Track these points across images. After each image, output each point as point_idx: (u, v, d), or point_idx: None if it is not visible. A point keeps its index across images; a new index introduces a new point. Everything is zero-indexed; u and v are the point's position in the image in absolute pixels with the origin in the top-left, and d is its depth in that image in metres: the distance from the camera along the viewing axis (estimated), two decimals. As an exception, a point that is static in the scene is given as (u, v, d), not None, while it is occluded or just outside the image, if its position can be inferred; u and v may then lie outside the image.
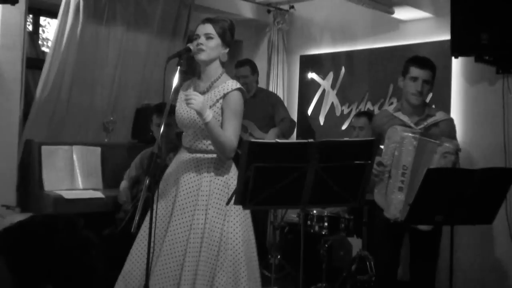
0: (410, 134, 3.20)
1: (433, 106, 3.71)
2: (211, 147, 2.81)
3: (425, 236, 3.23)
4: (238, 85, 2.83)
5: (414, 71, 3.32)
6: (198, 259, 2.71)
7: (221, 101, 2.79)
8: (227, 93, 2.79)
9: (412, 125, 3.30)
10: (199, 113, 2.68)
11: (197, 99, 2.66)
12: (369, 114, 4.52)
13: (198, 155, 2.83)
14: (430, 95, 4.62)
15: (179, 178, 2.84)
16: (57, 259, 1.34)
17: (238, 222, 2.81)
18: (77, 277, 1.35)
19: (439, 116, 3.40)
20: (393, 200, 3.20)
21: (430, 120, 3.35)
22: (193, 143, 2.85)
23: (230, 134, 2.76)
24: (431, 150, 3.15)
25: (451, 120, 3.48)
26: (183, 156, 2.89)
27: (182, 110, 2.87)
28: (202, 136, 2.82)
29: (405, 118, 3.34)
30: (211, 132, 2.73)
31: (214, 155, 2.82)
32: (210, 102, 2.80)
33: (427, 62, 3.37)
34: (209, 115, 2.69)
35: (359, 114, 4.69)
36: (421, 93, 3.31)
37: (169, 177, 2.91)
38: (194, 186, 2.79)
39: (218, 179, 2.80)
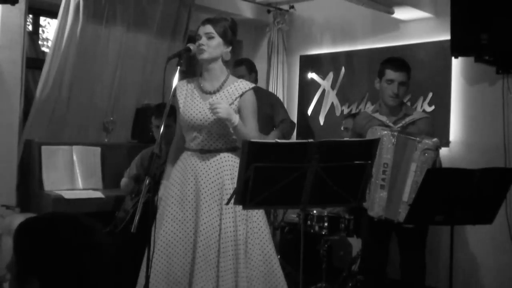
0: (388, 132, 3.25)
1: (410, 105, 3.73)
2: (226, 145, 2.85)
3: (412, 232, 3.27)
4: (252, 84, 2.92)
5: (390, 74, 3.39)
6: (233, 258, 2.75)
7: (238, 99, 2.85)
8: (244, 92, 2.86)
9: (390, 124, 3.37)
10: (227, 119, 2.73)
11: (222, 107, 2.72)
12: (355, 116, 4.56)
13: (214, 153, 2.86)
14: (430, 94, 4.64)
15: (198, 180, 2.84)
16: (48, 257, 1.35)
17: (262, 217, 2.90)
18: (66, 278, 1.36)
19: (417, 115, 3.49)
20: (376, 198, 3.23)
21: (408, 119, 3.41)
22: (207, 143, 2.87)
23: (253, 131, 2.83)
24: (411, 147, 3.19)
25: (429, 118, 3.56)
26: (195, 157, 2.89)
27: (192, 112, 2.88)
28: (217, 136, 2.85)
29: (383, 118, 3.42)
30: (239, 133, 2.79)
31: (230, 152, 2.87)
32: (229, 100, 2.85)
33: (402, 64, 3.44)
34: (236, 117, 2.76)
35: (347, 116, 4.85)
36: (397, 95, 3.39)
37: (183, 181, 2.89)
38: (216, 185, 2.82)
39: None
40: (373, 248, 3.45)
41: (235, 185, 2.78)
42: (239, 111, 2.85)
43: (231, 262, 2.74)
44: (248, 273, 2.77)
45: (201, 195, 2.82)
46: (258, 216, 2.89)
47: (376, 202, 3.23)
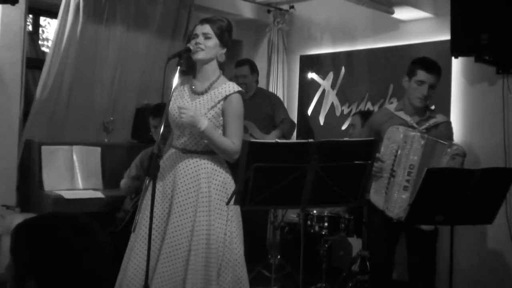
0: (417, 133, 3.20)
1: (432, 108, 3.70)
2: (208, 148, 2.82)
3: (422, 234, 3.23)
4: (238, 88, 2.85)
5: (422, 75, 3.29)
6: (203, 261, 2.70)
7: (222, 102, 2.81)
8: (229, 95, 2.80)
9: (414, 125, 3.30)
10: (191, 126, 2.70)
11: (187, 112, 2.68)
12: (363, 113, 4.55)
13: (195, 155, 2.83)
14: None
15: (176, 179, 2.82)
16: (46, 257, 1.35)
17: (237, 222, 2.84)
18: (64, 278, 1.36)
19: (439, 118, 3.41)
20: (398, 199, 3.18)
21: (432, 122, 3.35)
22: (189, 143, 2.84)
23: (232, 136, 2.78)
24: (441, 151, 3.15)
25: (450, 123, 3.50)
26: (176, 156, 2.87)
27: (178, 111, 2.85)
28: (199, 137, 2.81)
29: (407, 118, 3.33)
30: (209, 139, 2.75)
31: (211, 156, 2.83)
32: (211, 103, 2.81)
33: (435, 66, 3.34)
34: (203, 123, 2.71)
35: (355, 113, 4.83)
36: (426, 98, 3.31)
37: (164, 178, 2.86)
38: (192, 187, 2.78)
39: (217, 180, 2.80)
40: (383, 249, 3.39)
41: (210, 189, 2.77)
42: (223, 114, 2.82)
43: (202, 263, 2.70)
44: (220, 274, 2.73)
45: (176, 195, 2.79)
46: (234, 222, 2.82)
47: (398, 203, 3.17)
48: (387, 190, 3.22)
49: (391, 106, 3.53)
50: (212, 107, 2.80)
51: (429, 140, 3.18)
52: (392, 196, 3.20)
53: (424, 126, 3.31)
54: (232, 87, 2.83)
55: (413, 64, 3.37)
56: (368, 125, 3.61)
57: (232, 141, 2.76)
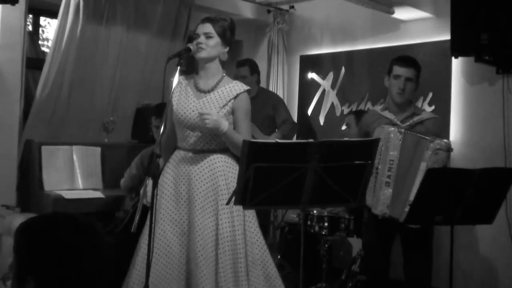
0: (395, 129, 3.24)
1: (420, 107, 3.73)
2: (220, 146, 2.84)
3: (417, 233, 3.24)
4: (247, 87, 2.92)
5: (397, 70, 3.39)
6: (231, 259, 2.74)
7: (232, 101, 2.84)
8: (239, 94, 2.85)
9: (398, 122, 3.35)
10: (215, 129, 2.73)
11: (211, 118, 2.71)
12: (357, 112, 4.57)
13: (207, 154, 2.84)
14: (430, 94, 4.65)
15: (191, 180, 2.82)
16: (46, 257, 1.36)
17: (254, 218, 2.88)
18: (64, 278, 1.36)
19: (425, 115, 3.46)
20: (381, 196, 3.20)
21: (416, 118, 3.39)
22: (199, 143, 2.85)
23: (244, 133, 2.83)
24: (423, 146, 3.16)
25: (437, 119, 3.52)
26: (187, 157, 2.87)
27: (186, 110, 2.86)
28: (210, 136, 2.84)
29: (391, 116, 3.39)
30: (229, 138, 2.79)
31: (223, 153, 2.86)
32: (222, 102, 2.83)
33: (410, 60, 3.44)
34: (225, 125, 2.74)
35: (348, 113, 4.90)
36: (403, 91, 3.37)
37: (176, 180, 2.87)
38: (210, 186, 2.80)
39: (233, 174, 2.82)
40: (376, 248, 3.41)
41: (229, 186, 2.79)
42: (233, 112, 2.85)
43: (230, 260, 2.73)
44: (249, 271, 2.77)
45: (194, 196, 2.80)
46: (252, 218, 2.88)
47: (381, 200, 3.20)
48: (374, 188, 3.24)
49: (378, 107, 3.62)
50: (224, 106, 2.83)
51: (409, 135, 3.21)
52: (377, 193, 3.23)
53: (408, 123, 3.35)
54: (240, 86, 2.89)
55: (390, 63, 3.48)
56: (358, 126, 3.71)
57: (245, 138, 2.80)
